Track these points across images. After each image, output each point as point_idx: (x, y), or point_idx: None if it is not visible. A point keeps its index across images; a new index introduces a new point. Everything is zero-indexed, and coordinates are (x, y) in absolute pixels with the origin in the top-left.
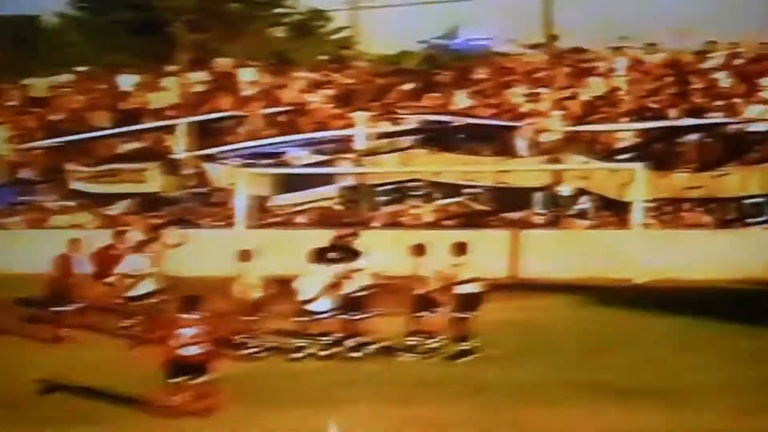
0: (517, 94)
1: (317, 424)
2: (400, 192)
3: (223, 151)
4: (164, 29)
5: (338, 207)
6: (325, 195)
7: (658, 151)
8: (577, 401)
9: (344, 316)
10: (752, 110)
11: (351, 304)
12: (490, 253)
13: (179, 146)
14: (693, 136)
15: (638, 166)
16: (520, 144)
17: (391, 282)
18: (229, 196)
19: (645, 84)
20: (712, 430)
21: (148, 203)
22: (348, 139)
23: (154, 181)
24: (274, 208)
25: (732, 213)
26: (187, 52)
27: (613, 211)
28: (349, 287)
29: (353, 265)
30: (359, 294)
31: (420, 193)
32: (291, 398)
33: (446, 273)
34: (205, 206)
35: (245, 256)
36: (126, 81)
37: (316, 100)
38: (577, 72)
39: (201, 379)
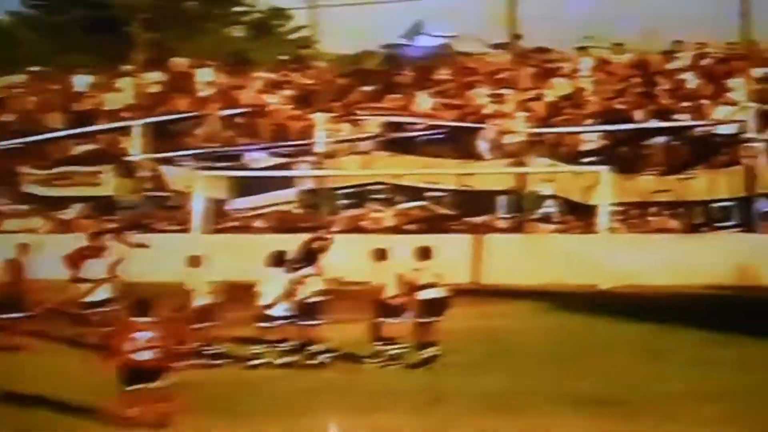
0: (480, 95)
1: None
2: (361, 195)
3: (180, 154)
4: (120, 28)
5: (297, 211)
6: (284, 198)
7: (624, 154)
8: (541, 410)
9: (300, 322)
10: (720, 111)
11: (307, 310)
12: (452, 257)
13: (135, 148)
14: (660, 139)
15: (604, 169)
16: (484, 146)
17: (352, 288)
18: (185, 200)
19: (611, 85)
20: None
21: (103, 207)
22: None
23: (108, 184)
24: (231, 211)
25: (700, 217)
26: (142, 51)
27: (578, 215)
28: (303, 293)
29: (307, 270)
30: (315, 300)
31: (381, 196)
32: (249, 408)
33: (408, 278)
34: (161, 210)
35: (195, 261)
36: (80, 81)
37: (275, 101)
38: (541, 72)
39: (155, 385)
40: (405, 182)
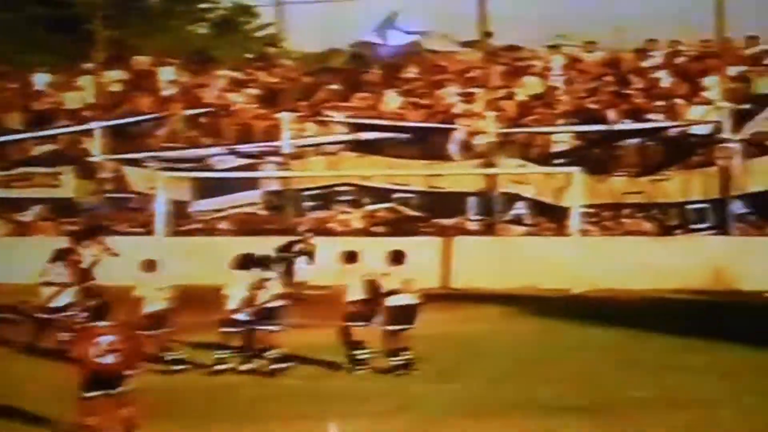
0: (449, 94)
1: None
2: (327, 197)
3: (142, 156)
4: (80, 26)
5: (262, 213)
6: (249, 200)
7: (596, 155)
8: (512, 416)
9: (262, 328)
10: (694, 111)
11: (269, 315)
12: (421, 261)
13: (95, 149)
14: (633, 139)
15: (576, 170)
16: (453, 147)
17: (319, 291)
18: (147, 202)
19: (583, 84)
20: None
21: (63, 209)
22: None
23: (68, 185)
24: (195, 213)
25: (674, 219)
26: (103, 49)
27: (550, 216)
28: (264, 297)
29: (267, 274)
30: (277, 305)
31: (348, 198)
32: (212, 415)
33: (377, 283)
34: (123, 212)
35: (149, 266)
36: (40, 80)
37: (240, 100)
38: (512, 71)
39: (116, 391)
40: (373, 183)
